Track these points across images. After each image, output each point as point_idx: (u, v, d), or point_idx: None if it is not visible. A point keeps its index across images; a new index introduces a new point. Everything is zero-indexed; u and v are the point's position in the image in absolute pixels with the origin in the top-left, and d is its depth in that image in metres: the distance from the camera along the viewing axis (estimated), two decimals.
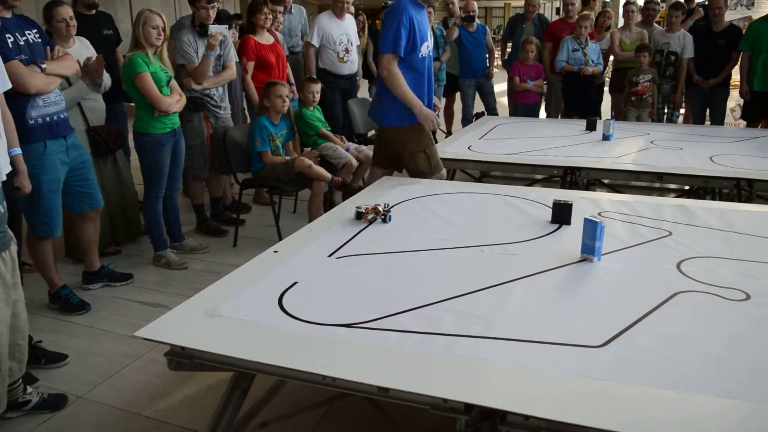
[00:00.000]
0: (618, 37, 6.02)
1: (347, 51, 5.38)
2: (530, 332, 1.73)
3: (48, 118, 2.90)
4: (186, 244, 3.98)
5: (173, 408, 2.37)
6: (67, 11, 3.45)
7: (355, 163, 4.30)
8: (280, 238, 3.42)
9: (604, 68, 6.12)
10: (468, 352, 1.64)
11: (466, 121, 6.36)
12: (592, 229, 2.22)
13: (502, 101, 6.88)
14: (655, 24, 6.27)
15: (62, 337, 2.90)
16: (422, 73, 3.39)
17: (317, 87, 4.51)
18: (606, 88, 6.47)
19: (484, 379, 1.54)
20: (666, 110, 5.88)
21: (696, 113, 5.92)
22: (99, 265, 3.44)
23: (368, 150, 4.62)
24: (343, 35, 5.33)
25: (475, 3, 6.30)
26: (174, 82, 3.63)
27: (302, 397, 2.29)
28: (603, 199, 3.12)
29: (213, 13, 3.98)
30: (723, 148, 4.17)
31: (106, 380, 2.55)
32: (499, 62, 8.60)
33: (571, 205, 2.65)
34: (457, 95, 6.72)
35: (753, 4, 7.22)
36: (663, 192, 4.73)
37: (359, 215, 2.73)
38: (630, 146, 4.30)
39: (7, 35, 2.73)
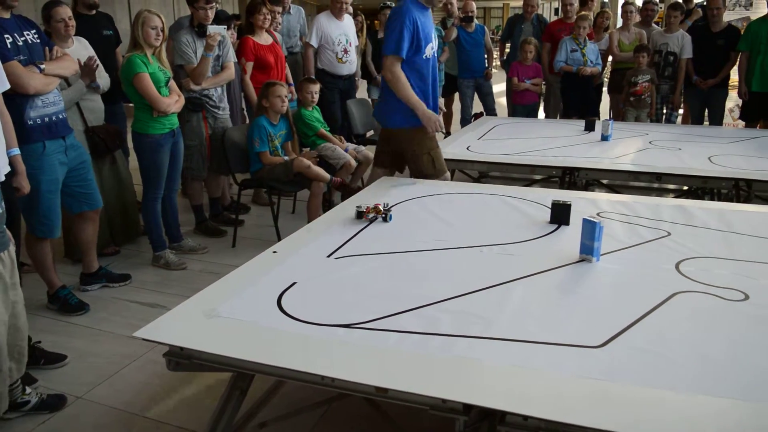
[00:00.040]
0: (617, 38, 6.02)
1: (346, 51, 5.38)
2: (529, 332, 1.74)
3: (47, 119, 2.90)
4: (185, 244, 3.98)
5: (172, 408, 2.37)
6: (65, 11, 3.45)
7: (353, 163, 4.30)
8: (279, 239, 3.41)
9: (603, 69, 6.13)
10: (467, 352, 1.64)
11: (465, 121, 6.36)
12: (590, 229, 2.22)
13: (501, 102, 6.89)
14: (653, 24, 6.28)
15: (61, 337, 2.90)
16: (427, 75, 3.38)
17: (316, 87, 4.51)
18: (605, 89, 6.48)
19: (483, 379, 1.54)
20: (665, 111, 5.88)
21: (695, 113, 5.93)
22: (97, 266, 3.44)
23: (367, 150, 4.63)
24: (342, 36, 5.33)
25: (474, 3, 6.30)
26: (172, 83, 3.63)
27: (301, 397, 2.28)
28: (602, 199, 3.12)
29: (211, 14, 3.98)
30: (721, 149, 4.17)
31: (105, 381, 2.55)
32: (498, 63, 8.61)
33: (569, 205, 2.65)
34: (456, 96, 6.73)
35: (751, 4, 7.23)
36: (662, 192, 4.73)
37: (360, 214, 2.73)
38: (629, 146, 4.31)
39: (6, 36, 2.73)
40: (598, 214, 2.72)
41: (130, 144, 3.79)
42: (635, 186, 4.61)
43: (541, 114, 6.57)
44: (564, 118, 5.98)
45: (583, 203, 2.93)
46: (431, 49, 3.35)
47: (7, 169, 2.33)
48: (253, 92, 4.47)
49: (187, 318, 1.85)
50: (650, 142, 4.42)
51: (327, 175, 3.97)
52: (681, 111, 6.10)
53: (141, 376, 2.57)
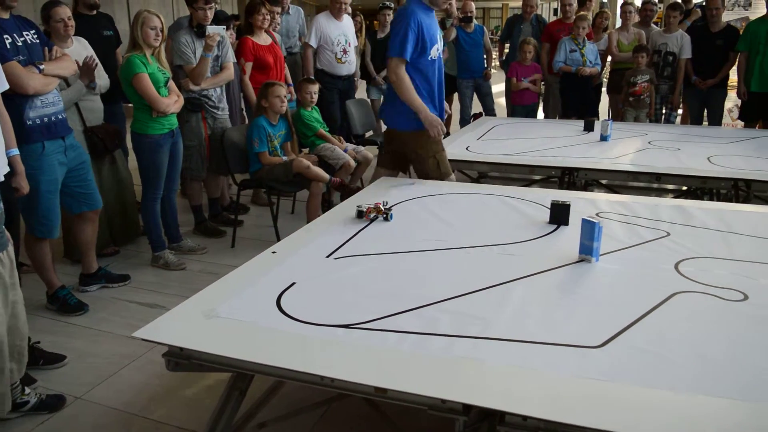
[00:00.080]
0: (616, 38, 6.03)
1: (345, 52, 5.38)
2: (528, 333, 1.74)
3: (46, 119, 2.90)
4: (184, 244, 3.97)
5: (171, 409, 2.37)
6: (65, 11, 3.44)
7: (353, 163, 4.30)
8: (278, 239, 3.41)
9: (602, 69, 6.13)
10: (466, 352, 1.64)
11: (464, 121, 6.36)
12: (590, 229, 2.22)
13: (500, 102, 6.89)
14: (652, 24, 6.28)
15: (60, 337, 2.90)
16: (432, 76, 3.37)
17: (315, 88, 4.51)
18: (604, 89, 6.48)
19: (483, 379, 1.54)
20: (664, 111, 5.88)
21: (694, 114, 5.93)
22: (96, 267, 3.44)
23: (366, 151, 4.63)
24: (341, 36, 5.33)
25: (473, 3, 6.30)
26: (172, 83, 3.63)
27: (300, 397, 2.28)
28: (601, 199, 3.13)
29: (210, 14, 3.98)
30: (721, 149, 4.17)
31: (104, 381, 2.55)
32: (497, 63, 8.62)
33: (569, 205, 2.65)
34: (455, 96, 6.73)
35: (750, 4, 7.24)
36: (661, 192, 4.73)
37: (360, 214, 2.73)
38: (628, 147, 4.31)
39: (5, 36, 2.73)
40: (597, 215, 2.72)
41: (129, 144, 3.78)
42: (634, 186, 4.61)
43: (541, 114, 6.57)
44: (563, 119, 5.98)
45: (583, 203, 2.93)
46: (436, 50, 3.34)
47: (6, 169, 2.33)
48: (252, 93, 4.46)
49: (187, 318, 1.85)
50: (649, 143, 4.42)
51: (326, 176, 3.96)
52: (680, 111, 6.10)
53: (140, 376, 2.57)
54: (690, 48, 5.61)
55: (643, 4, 6.24)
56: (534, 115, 6.17)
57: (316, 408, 2.20)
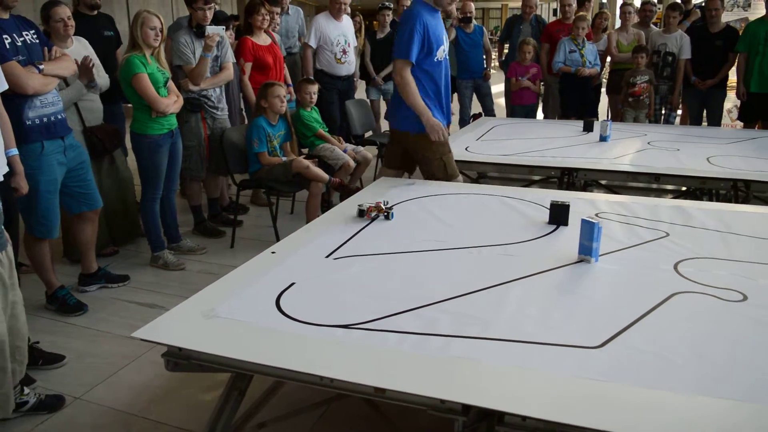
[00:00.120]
0: (615, 38, 6.03)
1: (344, 52, 5.38)
2: (528, 333, 1.74)
3: (45, 119, 2.90)
4: (183, 245, 3.97)
5: (171, 409, 2.36)
6: (64, 11, 3.44)
7: (352, 164, 4.30)
8: (278, 239, 3.41)
9: (601, 69, 6.13)
10: (465, 352, 1.64)
11: (464, 122, 6.36)
12: (589, 230, 2.23)
13: (500, 102, 6.89)
14: (652, 25, 6.28)
15: (59, 338, 2.90)
16: (439, 78, 3.37)
17: (314, 88, 4.52)
18: (603, 89, 6.48)
19: (482, 379, 1.54)
20: (663, 111, 5.89)
21: (693, 114, 5.94)
22: (96, 267, 3.44)
23: (366, 151, 4.63)
24: (341, 36, 5.33)
25: (472, 4, 6.30)
26: (171, 83, 3.63)
27: (300, 398, 2.28)
28: (600, 200, 3.13)
29: (210, 14, 3.98)
30: (720, 149, 4.17)
31: (103, 381, 2.54)
32: (497, 63, 8.62)
33: (568, 206, 2.65)
34: (455, 96, 6.73)
35: (749, 5, 7.24)
36: (660, 193, 4.73)
37: (362, 213, 2.73)
38: (627, 147, 4.31)
39: (5, 36, 2.73)
40: (596, 215, 2.72)
41: (129, 144, 3.78)
42: (634, 186, 4.61)
43: (540, 115, 6.57)
44: (562, 119, 5.98)
45: (582, 204, 2.93)
46: (443, 51, 3.34)
47: (6, 169, 2.33)
48: (252, 93, 4.46)
49: (186, 318, 1.85)
50: (649, 143, 4.43)
51: (326, 176, 3.97)
52: (679, 111, 6.11)
53: (140, 376, 2.57)
54: (689, 48, 5.62)
55: (642, 4, 6.24)
56: (533, 115, 6.17)
57: (316, 408, 2.20)
